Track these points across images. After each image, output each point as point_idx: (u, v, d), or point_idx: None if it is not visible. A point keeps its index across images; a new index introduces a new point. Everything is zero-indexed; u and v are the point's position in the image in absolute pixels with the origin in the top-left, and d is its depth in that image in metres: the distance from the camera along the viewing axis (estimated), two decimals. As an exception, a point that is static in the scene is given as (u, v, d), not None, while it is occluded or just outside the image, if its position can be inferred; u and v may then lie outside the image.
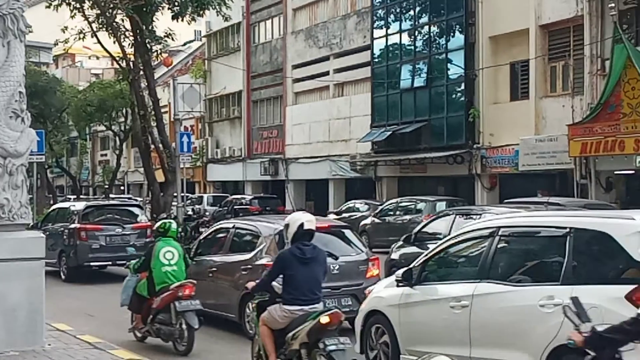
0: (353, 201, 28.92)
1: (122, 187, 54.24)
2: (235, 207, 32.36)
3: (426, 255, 8.06)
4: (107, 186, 41.07)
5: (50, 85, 39.01)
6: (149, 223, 19.36)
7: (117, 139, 42.18)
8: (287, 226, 7.65)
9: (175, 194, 28.32)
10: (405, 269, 8.08)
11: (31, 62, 44.40)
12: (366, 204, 27.47)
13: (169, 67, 50.05)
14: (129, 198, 44.10)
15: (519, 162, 23.45)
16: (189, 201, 35.11)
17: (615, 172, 21.27)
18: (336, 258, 10.60)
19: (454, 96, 26.77)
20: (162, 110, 31.14)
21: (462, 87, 26.32)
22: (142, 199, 38.43)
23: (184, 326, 9.71)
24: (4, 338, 8.60)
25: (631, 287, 5.94)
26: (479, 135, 25.66)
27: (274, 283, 7.62)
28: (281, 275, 7.48)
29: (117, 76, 32.41)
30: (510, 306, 6.76)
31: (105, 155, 57.31)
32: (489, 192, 25.67)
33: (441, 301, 7.46)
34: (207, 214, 31.97)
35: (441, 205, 22.09)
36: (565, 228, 6.66)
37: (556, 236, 6.70)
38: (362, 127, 30.76)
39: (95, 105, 37.51)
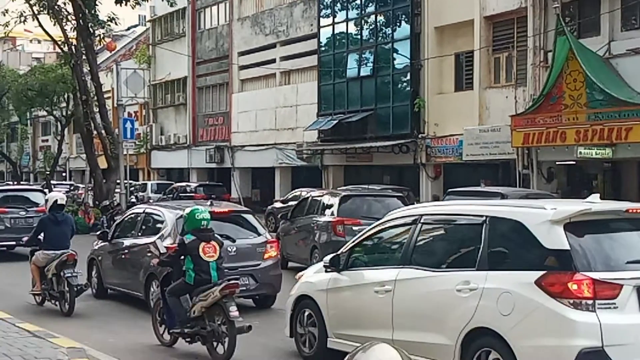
0: (299, 189, 28.89)
1: (63, 174, 53.25)
2: (180, 194, 32.07)
3: (353, 241, 8.31)
4: (48, 172, 40.22)
5: (-11, 68, 38.04)
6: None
7: (58, 124, 41.33)
8: (47, 201, 12.45)
9: (118, 181, 27.94)
10: (333, 254, 8.36)
11: (-31, 45, 43.28)
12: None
13: (113, 52, 49.29)
14: (71, 184, 43.40)
15: (463, 152, 23.69)
16: (132, 188, 34.64)
17: (557, 163, 21.65)
18: (233, 241, 11.42)
19: (399, 86, 26.91)
20: (105, 95, 30.68)
21: (408, 77, 26.46)
22: (84, 186, 37.78)
23: None
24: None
25: (540, 273, 6.21)
26: (424, 125, 25.85)
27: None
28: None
29: (59, 60, 31.74)
30: (430, 291, 7.02)
31: (47, 140, 56.18)
32: (433, 182, 25.90)
33: (366, 286, 7.69)
34: (151, 201, 31.60)
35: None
36: (482, 216, 6.89)
37: (473, 224, 6.93)
38: (308, 115, 30.73)
39: (37, 89, 36.66)
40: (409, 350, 6.65)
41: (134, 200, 29.87)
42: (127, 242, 12.60)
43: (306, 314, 8.49)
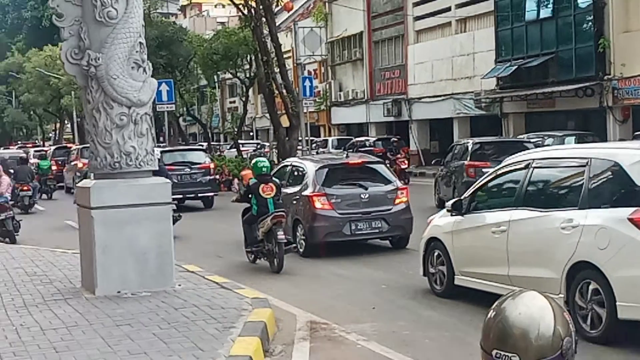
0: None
1: (251, 133, 55.36)
2: (359, 149, 32.47)
3: (474, 186, 9.22)
4: (236, 132, 41.97)
5: (177, 35, 39.91)
6: (211, 164, 24.13)
7: (243, 86, 42.91)
8: (159, 159, 13.89)
9: (299, 138, 28.72)
10: (455, 199, 9.46)
11: (158, 14, 45.60)
12: (492, 141, 26.91)
13: (291, 12, 50.30)
14: (257, 144, 45.10)
15: (654, 93, 22.32)
16: (314, 145, 35.47)
17: None
18: (366, 189, 12.98)
19: (582, 26, 25.62)
20: (285, 55, 31.47)
21: (591, 16, 25.12)
22: (268, 144, 39.15)
23: None
24: (136, 279, 9.09)
25: (633, 209, 6.78)
26: (609, 66, 24.54)
27: None
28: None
29: (241, 23, 32.81)
30: (539, 229, 7.74)
31: (234, 102, 58.52)
32: (621, 125, 24.63)
33: (485, 227, 8.56)
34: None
35: (570, 140, 21.36)
36: (585, 158, 7.48)
37: (578, 166, 7.55)
38: (486, 63, 29.99)
39: (221, 53, 38.12)
40: (521, 284, 7.48)
41: (315, 156, 30.55)
42: None
43: (435, 254, 9.44)
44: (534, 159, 8.26)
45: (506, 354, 2.34)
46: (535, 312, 2.36)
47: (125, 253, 9.07)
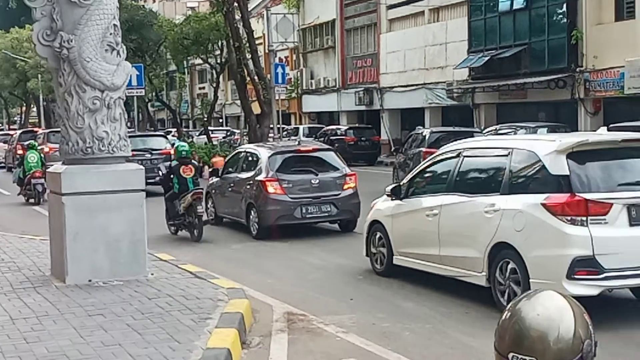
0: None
1: (220, 120, 54.89)
2: (330, 137, 32.34)
3: (412, 173, 9.89)
4: (205, 119, 41.54)
5: (147, 19, 39.36)
6: (171, 150, 24.43)
7: (214, 72, 42.45)
8: None
9: (271, 126, 28.47)
10: (394, 185, 10.21)
11: (128, -3, 44.84)
12: (463, 132, 26.93)
13: (263, -2, 49.80)
14: (227, 130, 44.71)
15: (625, 85, 22.44)
16: (285, 132, 35.24)
17: None
18: (316, 174, 13.70)
19: (555, 18, 25.67)
20: (257, 42, 31.13)
21: (564, 8, 25.16)
22: (239, 131, 38.82)
23: (38, 190, 19.80)
24: (108, 268, 8.87)
25: (545, 195, 7.46)
26: (582, 58, 24.61)
27: None
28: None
29: (212, 8, 32.41)
30: (466, 213, 8.45)
31: (204, 88, 57.96)
32: (592, 117, 24.73)
33: (420, 211, 9.25)
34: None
35: (542, 132, 21.39)
36: (507, 148, 8.20)
37: (502, 155, 8.25)
38: (458, 53, 29.97)
39: (192, 38, 37.63)
40: (450, 263, 8.52)
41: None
42: (233, 176, 14.86)
43: (377, 236, 10.14)
44: (464, 148, 8.99)
45: (523, 357, 2.21)
46: (554, 313, 2.22)
47: (97, 240, 8.85)
